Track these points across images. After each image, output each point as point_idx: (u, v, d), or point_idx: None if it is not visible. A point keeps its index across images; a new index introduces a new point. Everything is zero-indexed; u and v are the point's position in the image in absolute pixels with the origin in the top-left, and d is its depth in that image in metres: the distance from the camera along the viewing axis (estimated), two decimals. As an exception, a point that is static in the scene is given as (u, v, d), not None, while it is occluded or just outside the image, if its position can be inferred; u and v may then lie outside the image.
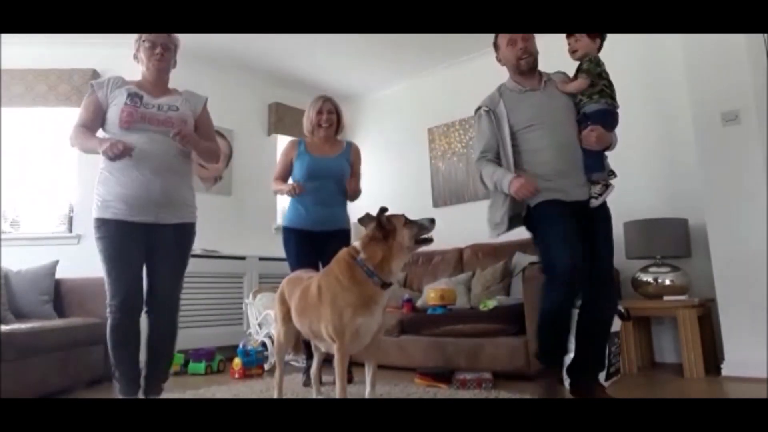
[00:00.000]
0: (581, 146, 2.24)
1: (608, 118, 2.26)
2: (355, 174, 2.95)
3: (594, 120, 2.23)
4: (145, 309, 2.19)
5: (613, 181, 2.30)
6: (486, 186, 2.38)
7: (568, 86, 2.31)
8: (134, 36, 2.22)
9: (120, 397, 2.11)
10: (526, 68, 2.31)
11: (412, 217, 2.03)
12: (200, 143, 2.20)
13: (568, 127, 2.26)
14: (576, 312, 2.28)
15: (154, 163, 2.08)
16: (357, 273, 1.93)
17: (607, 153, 2.35)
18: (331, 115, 2.89)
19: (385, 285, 1.95)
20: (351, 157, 2.94)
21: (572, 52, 2.32)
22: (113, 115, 2.11)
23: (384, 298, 1.98)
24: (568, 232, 2.12)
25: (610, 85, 2.27)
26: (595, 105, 2.25)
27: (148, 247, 2.14)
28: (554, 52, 2.46)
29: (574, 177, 2.23)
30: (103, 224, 2.07)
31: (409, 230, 1.96)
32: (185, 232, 2.22)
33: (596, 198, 2.22)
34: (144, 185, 2.07)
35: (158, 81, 2.23)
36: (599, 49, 2.33)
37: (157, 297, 2.17)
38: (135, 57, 2.24)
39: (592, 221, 2.23)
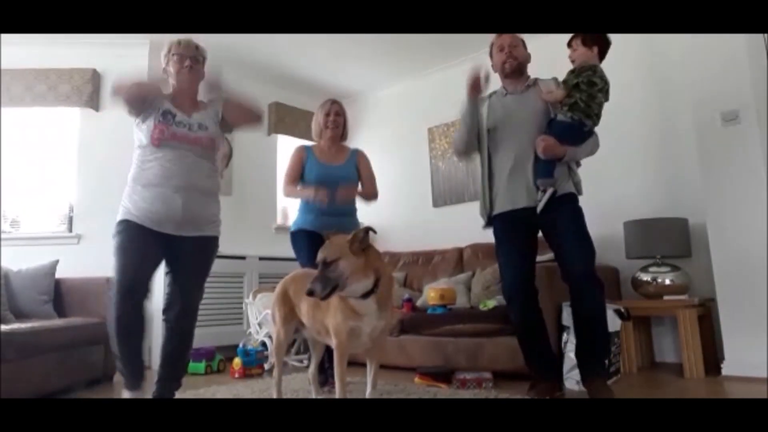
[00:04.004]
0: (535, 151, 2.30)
1: (569, 133, 2.28)
2: (369, 178, 2.95)
3: (553, 130, 2.29)
4: (162, 317, 2.22)
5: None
6: (459, 148, 2.56)
7: (548, 96, 2.35)
8: (161, 50, 2.26)
9: (126, 389, 2.11)
10: (509, 70, 2.45)
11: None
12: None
13: (530, 133, 2.32)
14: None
15: (177, 181, 2.11)
16: None
17: (582, 161, 2.42)
18: (338, 117, 2.91)
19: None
20: (357, 163, 2.93)
21: (572, 61, 2.36)
22: (146, 129, 2.15)
23: (359, 306, 1.89)
24: (512, 250, 2.37)
25: (590, 98, 2.24)
26: (562, 116, 2.29)
27: (169, 258, 2.19)
28: (556, 52, 2.46)
29: (525, 182, 2.32)
30: (123, 223, 2.11)
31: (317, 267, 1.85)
32: (207, 244, 2.24)
33: (538, 204, 2.27)
34: (165, 202, 2.10)
35: (188, 93, 2.26)
36: (602, 56, 2.34)
37: (174, 305, 2.19)
38: (164, 71, 2.27)
39: (554, 225, 2.28)
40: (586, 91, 2.23)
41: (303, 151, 2.91)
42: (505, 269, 2.38)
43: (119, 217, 2.13)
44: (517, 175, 2.34)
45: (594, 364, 2.29)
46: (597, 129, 2.35)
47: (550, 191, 2.24)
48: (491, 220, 2.47)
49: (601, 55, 2.33)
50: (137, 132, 2.19)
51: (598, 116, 2.29)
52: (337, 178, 2.79)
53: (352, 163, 2.91)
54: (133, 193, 2.13)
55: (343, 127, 2.95)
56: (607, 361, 2.56)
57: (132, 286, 2.05)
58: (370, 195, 2.91)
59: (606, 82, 2.28)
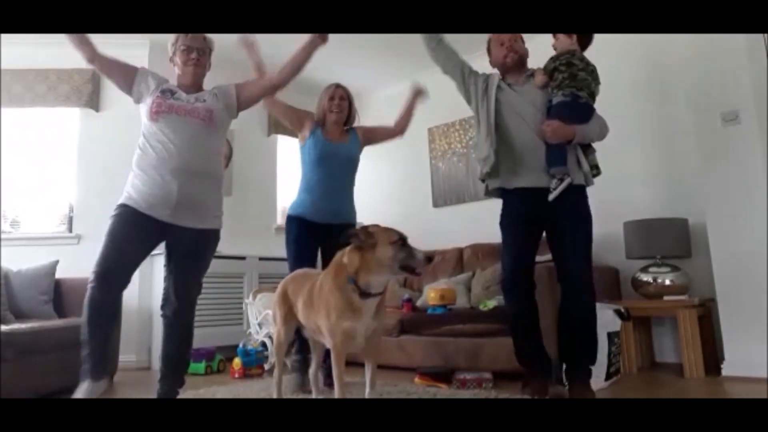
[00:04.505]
0: (544, 140, 2.30)
1: (568, 110, 2.29)
2: (379, 127, 3.05)
3: (554, 113, 2.31)
4: (161, 312, 2.21)
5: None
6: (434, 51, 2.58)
7: (535, 80, 2.42)
8: (169, 40, 2.27)
9: (84, 380, 1.98)
10: (511, 64, 2.46)
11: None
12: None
13: (531, 123, 2.33)
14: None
15: (174, 165, 2.10)
16: (342, 278, 1.91)
17: (595, 146, 2.42)
18: (343, 101, 2.87)
19: (364, 294, 1.87)
20: (361, 137, 2.91)
21: (554, 50, 2.42)
22: (147, 106, 2.16)
23: (365, 306, 1.89)
24: (516, 240, 2.37)
25: (572, 76, 2.28)
26: (557, 98, 2.32)
27: (167, 249, 2.19)
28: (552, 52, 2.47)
29: (537, 166, 2.31)
30: (121, 207, 2.11)
31: (395, 250, 1.82)
32: (206, 238, 2.22)
33: (552, 192, 2.26)
34: (162, 186, 2.09)
35: (194, 83, 2.27)
36: (585, 45, 2.40)
37: (171, 299, 2.18)
38: (171, 60, 2.27)
39: (557, 219, 2.29)
40: (566, 71, 2.29)
41: (314, 123, 2.86)
42: (507, 257, 2.39)
43: (119, 200, 2.13)
44: (529, 158, 2.33)
45: (576, 369, 2.29)
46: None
47: (567, 181, 2.24)
48: (491, 189, 2.47)
49: (581, 41, 2.38)
50: (141, 112, 2.20)
51: (589, 88, 2.31)
52: (339, 157, 2.77)
53: (354, 143, 2.87)
54: (134, 178, 2.13)
55: (348, 111, 2.89)
56: (597, 365, 2.54)
57: (109, 274, 2.02)
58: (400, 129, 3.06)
59: (587, 64, 2.33)
